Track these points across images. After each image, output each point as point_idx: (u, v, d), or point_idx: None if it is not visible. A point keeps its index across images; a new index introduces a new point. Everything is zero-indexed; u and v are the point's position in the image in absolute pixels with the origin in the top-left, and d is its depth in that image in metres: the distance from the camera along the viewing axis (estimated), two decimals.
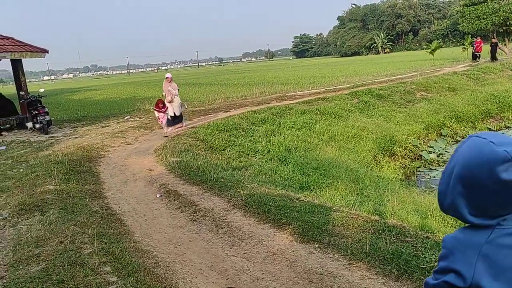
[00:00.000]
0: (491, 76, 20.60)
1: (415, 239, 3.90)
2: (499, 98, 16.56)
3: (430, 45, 33.03)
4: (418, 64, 30.86)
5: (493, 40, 26.30)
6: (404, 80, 19.13)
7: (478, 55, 26.26)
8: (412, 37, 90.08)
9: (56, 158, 7.95)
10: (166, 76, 11.39)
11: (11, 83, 67.76)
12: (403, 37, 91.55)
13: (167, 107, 10.65)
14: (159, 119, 10.76)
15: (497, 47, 26.08)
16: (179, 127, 11.19)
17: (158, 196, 5.94)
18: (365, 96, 15.51)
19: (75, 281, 3.30)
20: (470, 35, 29.29)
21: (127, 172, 7.39)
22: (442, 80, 18.64)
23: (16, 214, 4.99)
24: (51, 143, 10.11)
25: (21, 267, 3.66)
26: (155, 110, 10.77)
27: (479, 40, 26.54)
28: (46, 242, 4.11)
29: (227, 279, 3.55)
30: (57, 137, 11.05)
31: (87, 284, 3.25)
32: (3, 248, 4.12)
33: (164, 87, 11.22)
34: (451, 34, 75.81)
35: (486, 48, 27.32)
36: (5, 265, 3.76)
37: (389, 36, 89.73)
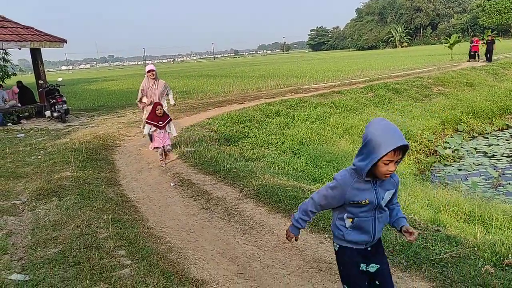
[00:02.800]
0: (510, 72, 20.23)
1: (425, 232, 3.91)
2: None
3: (448, 39, 32.54)
4: (436, 58, 30.44)
5: (490, 38, 24.12)
6: (421, 74, 18.92)
7: (476, 55, 24.80)
8: (431, 31, 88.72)
9: (73, 146, 8.12)
10: (147, 70, 7.66)
11: (29, 72, 68.91)
12: (421, 31, 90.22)
13: (168, 119, 7.05)
14: (153, 143, 7.11)
15: (493, 46, 23.80)
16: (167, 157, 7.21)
17: (172, 184, 6.04)
18: (380, 90, 15.40)
19: (90, 263, 3.40)
20: (490, 30, 28.72)
21: (142, 161, 7.52)
22: (460, 75, 18.39)
23: (35, 199, 5.13)
24: (68, 131, 10.30)
25: (39, 249, 3.78)
26: (147, 123, 7.03)
27: (476, 39, 25.46)
28: (63, 226, 4.24)
29: (237, 265, 3.62)
30: (74, 125, 11.25)
31: (102, 266, 3.35)
32: (22, 231, 4.26)
33: (145, 87, 7.62)
34: (470, 29, 74.46)
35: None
36: (24, 247, 3.89)
37: (407, 30, 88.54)
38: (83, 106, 16.16)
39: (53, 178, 5.93)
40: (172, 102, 8.12)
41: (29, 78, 17.44)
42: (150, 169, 6.97)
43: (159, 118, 6.88)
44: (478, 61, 23.73)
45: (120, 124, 11.09)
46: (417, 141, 12.13)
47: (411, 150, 11.92)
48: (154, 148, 7.15)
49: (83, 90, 25.92)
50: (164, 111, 6.98)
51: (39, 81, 12.77)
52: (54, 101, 11.82)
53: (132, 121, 11.61)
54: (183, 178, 6.23)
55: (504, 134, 13.29)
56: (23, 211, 4.80)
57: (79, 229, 4.13)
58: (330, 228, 4.10)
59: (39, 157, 7.47)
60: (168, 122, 7.03)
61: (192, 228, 4.49)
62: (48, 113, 12.27)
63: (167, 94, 8.00)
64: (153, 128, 6.85)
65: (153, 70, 7.74)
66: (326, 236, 3.98)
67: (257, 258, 3.75)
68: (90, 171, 6.47)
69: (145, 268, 3.35)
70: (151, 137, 7.34)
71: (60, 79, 13.22)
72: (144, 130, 7.61)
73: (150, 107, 7.29)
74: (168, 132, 7.08)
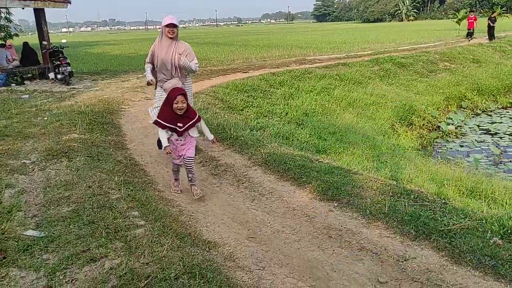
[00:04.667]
0: None
1: (433, 204, 3.97)
2: None
3: (456, 14, 31.99)
4: (443, 33, 30.04)
5: (493, 14, 23.21)
6: (427, 49, 18.72)
7: (471, 32, 23.87)
8: (438, 5, 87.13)
9: (79, 109, 8.09)
10: (165, 23, 5.11)
11: (30, 33, 67.73)
12: (428, 5, 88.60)
13: (193, 121, 4.25)
14: (172, 153, 4.31)
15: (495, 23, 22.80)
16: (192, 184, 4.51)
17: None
18: (386, 64, 15.27)
19: (105, 222, 3.46)
20: (499, 6, 28.21)
21: (148, 126, 7.51)
22: (466, 51, 18.20)
23: (44, 159, 5.16)
24: (72, 94, 10.25)
25: (52, 207, 3.83)
26: (158, 124, 4.22)
27: (473, 16, 24.50)
28: (74, 186, 4.28)
29: (248, 230, 3.69)
30: (78, 88, 11.18)
31: (116, 226, 3.41)
32: (33, 189, 4.30)
33: (156, 52, 5.29)
34: (479, 4, 73.22)
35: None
36: (36, 205, 3.93)
37: (414, 3, 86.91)
38: (86, 69, 16.01)
39: (61, 140, 5.94)
40: (192, 67, 5.33)
41: (29, 39, 17.19)
42: (155, 133, 6.94)
43: (178, 118, 4.09)
44: (470, 40, 23.00)
45: (124, 89, 11.02)
46: (420, 116, 12.12)
47: (414, 125, 11.94)
48: (173, 161, 4.45)
49: (85, 53, 25.61)
50: (188, 104, 4.14)
51: (42, 42, 12.59)
52: (58, 63, 11.69)
53: (136, 86, 11.53)
54: None
55: (508, 112, 13.28)
56: (33, 170, 4.83)
57: (91, 190, 4.17)
58: (339, 196, 4.16)
59: (45, 118, 7.45)
60: (193, 125, 4.22)
61: (201, 193, 4.53)
62: (51, 75, 12.15)
63: (188, 67, 5.28)
64: (168, 132, 4.18)
65: (174, 26, 5.13)
66: (335, 204, 4.04)
67: (267, 223, 3.81)
68: (97, 134, 6.47)
69: (159, 229, 3.41)
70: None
71: (64, 40, 13.05)
72: (150, 113, 5.56)
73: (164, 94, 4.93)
74: (191, 137, 4.31)
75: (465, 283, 2.78)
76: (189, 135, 4.28)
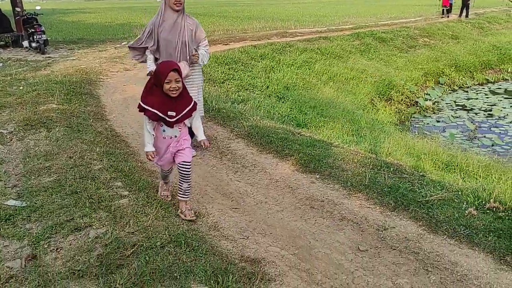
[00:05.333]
0: (495, 26, 20.33)
1: (411, 176, 4.08)
2: (500, 49, 16.46)
3: None
4: (423, 9, 30.14)
5: None
6: (407, 24, 18.79)
7: (447, 10, 23.46)
8: None
9: (56, 79, 7.89)
10: None
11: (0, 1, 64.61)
12: None
13: (188, 108, 3.20)
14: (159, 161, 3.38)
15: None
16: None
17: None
18: (367, 38, 15.30)
19: (88, 193, 3.44)
20: None
21: (127, 97, 7.40)
22: (446, 27, 18.36)
23: (22, 129, 5.05)
24: (48, 63, 9.95)
25: (33, 177, 3.78)
26: (142, 110, 3.16)
27: None
28: (55, 157, 4.22)
29: (232, 201, 3.73)
30: (54, 57, 10.86)
31: (100, 196, 3.40)
32: (12, 160, 4.22)
33: (156, 28, 4.19)
34: None
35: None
36: (16, 175, 3.88)
37: None
38: (61, 38, 15.50)
39: (38, 110, 5.80)
40: (205, 61, 4.42)
41: (1, 5, 16.49)
42: (136, 105, 6.87)
43: (169, 103, 3.09)
44: (448, 17, 22.92)
45: (102, 59, 10.76)
46: (399, 91, 12.28)
47: (393, 100, 12.11)
48: (160, 168, 3.52)
49: (59, 21, 24.74)
50: (183, 84, 3.14)
51: (15, 9, 12.11)
52: (32, 30, 11.29)
53: (114, 56, 11.27)
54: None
55: (484, 88, 13.58)
56: (11, 140, 4.73)
57: (72, 160, 4.12)
58: (321, 169, 4.24)
59: (21, 88, 7.25)
60: (189, 114, 3.22)
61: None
62: (26, 43, 11.74)
63: (196, 50, 4.33)
64: (152, 123, 3.19)
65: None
66: (317, 176, 4.11)
67: (250, 194, 3.86)
68: (76, 105, 6.34)
69: (143, 199, 3.42)
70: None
71: (38, 7, 12.57)
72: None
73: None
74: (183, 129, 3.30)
75: (441, 250, 2.91)
76: (184, 125, 3.27)
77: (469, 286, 2.57)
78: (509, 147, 8.62)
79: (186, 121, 3.27)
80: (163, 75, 2.98)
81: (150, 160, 3.24)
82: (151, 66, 4.23)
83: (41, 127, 5.11)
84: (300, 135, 5.41)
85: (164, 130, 3.22)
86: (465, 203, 3.45)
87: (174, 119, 3.14)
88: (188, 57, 4.26)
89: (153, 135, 3.21)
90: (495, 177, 4.91)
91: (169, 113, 3.11)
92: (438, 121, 10.65)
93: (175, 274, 2.51)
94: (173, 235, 2.90)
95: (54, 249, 2.75)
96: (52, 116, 5.54)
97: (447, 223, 3.19)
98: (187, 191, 3.32)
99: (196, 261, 2.66)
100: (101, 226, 3.00)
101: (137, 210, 3.22)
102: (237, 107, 7.02)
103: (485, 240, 2.95)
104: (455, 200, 3.52)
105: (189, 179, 3.28)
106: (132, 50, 4.42)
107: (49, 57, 10.94)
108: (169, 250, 2.74)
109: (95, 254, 2.68)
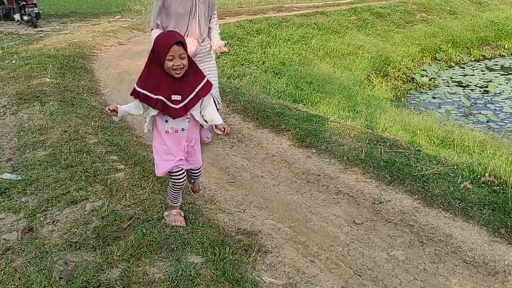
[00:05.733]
0: (493, 2, 20.11)
1: (407, 151, 4.09)
2: (498, 25, 16.31)
3: None
4: None
5: None
6: None
7: None
8: None
9: (49, 52, 7.76)
10: None
11: None
12: None
13: (197, 89, 2.46)
14: (157, 159, 2.62)
15: None
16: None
17: None
18: (364, 13, 15.11)
19: (83, 166, 3.42)
20: None
21: (122, 72, 7.31)
22: (444, 2, 18.13)
23: (15, 103, 4.99)
24: (41, 37, 9.78)
25: (27, 151, 3.75)
26: (137, 96, 2.43)
27: None
28: (49, 131, 4.18)
29: (228, 175, 3.73)
30: (47, 31, 10.66)
31: (96, 170, 3.38)
32: (6, 134, 4.19)
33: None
34: None
35: None
36: (11, 149, 3.85)
37: None
38: (53, 11, 15.22)
39: (32, 84, 5.73)
40: (219, 42, 3.84)
41: None
42: (131, 80, 6.79)
43: (173, 85, 2.41)
44: None
45: (95, 33, 10.57)
46: (395, 67, 12.20)
47: (390, 76, 12.04)
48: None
49: None
50: (191, 61, 2.48)
51: None
52: (24, 3, 11.03)
53: (108, 30, 11.08)
54: None
55: (480, 65, 13.51)
56: (4, 114, 4.68)
57: (67, 134, 4.09)
58: (317, 143, 4.23)
59: (13, 61, 7.13)
60: (199, 98, 2.50)
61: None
62: (17, 16, 11.50)
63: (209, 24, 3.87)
64: (154, 111, 2.49)
65: None
66: (313, 151, 4.11)
67: (247, 168, 3.85)
68: (70, 79, 6.26)
69: (139, 173, 3.41)
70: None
71: None
72: (146, 119, 2.60)
73: None
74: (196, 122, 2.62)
75: (436, 223, 2.93)
76: (193, 118, 2.55)
77: (463, 258, 2.61)
78: (504, 124, 8.64)
79: (196, 113, 2.52)
80: (164, 50, 2.29)
81: (107, 112, 2.46)
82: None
83: (35, 101, 5.05)
84: (297, 110, 5.38)
85: (166, 121, 2.48)
86: (460, 177, 3.47)
87: (180, 105, 2.42)
88: (199, 34, 3.68)
89: (149, 129, 2.59)
90: (490, 153, 4.93)
91: (173, 97, 2.39)
92: (434, 98, 10.63)
93: (172, 246, 2.52)
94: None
95: (50, 222, 2.75)
96: (46, 90, 5.48)
97: (442, 196, 3.21)
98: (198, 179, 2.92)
99: (192, 234, 2.67)
100: (97, 199, 2.99)
101: (133, 183, 3.21)
102: (232, 82, 6.96)
103: (480, 213, 2.98)
104: (451, 174, 3.54)
105: (199, 178, 2.91)
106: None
107: (41, 30, 10.74)
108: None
109: (91, 227, 2.68)
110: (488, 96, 10.45)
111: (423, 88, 11.47)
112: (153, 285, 2.22)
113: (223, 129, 2.54)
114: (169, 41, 2.32)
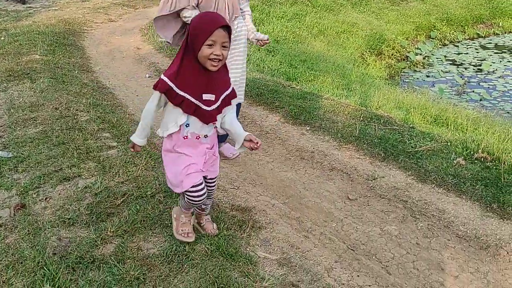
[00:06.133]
0: None
1: (401, 128, 4.09)
2: (493, 3, 16.19)
3: None
4: None
5: None
6: None
7: None
8: None
9: (38, 29, 7.60)
10: None
11: None
12: None
13: (226, 92, 2.06)
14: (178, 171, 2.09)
15: None
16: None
17: (147, 76, 5.86)
18: None
19: (75, 144, 3.39)
20: None
21: (113, 49, 7.20)
22: None
23: (5, 80, 4.90)
24: (30, 13, 9.57)
25: (18, 128, 3.70)
26: (167, 88, 1.95)
27: None
28: (40, 108, 4.12)
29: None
30: (35, 7, 10.44)
31: (88, 147, 3.35)
32: None
33: None
34: None
35: None
36: (1, 126, 3.79)
37: None
38: None
39: (21, 61, 5.62)
40: (262, 36, 3.27)
41: None
42: (123, 57, 6.70)
43: (205, 81, 1.97)
44: None
45: (85, 9, 10.37)
46: (390, 45, 12.13)
47: (384, 54, 11.98)
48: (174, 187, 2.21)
49: None
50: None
51: None
52: None
53: (98, 6, 10.86)
54: (159, 68, 6.06)
55: (474, 43, 13.46)
56: None
57: (58, 111, 4.03)
58: (311, 120, 4.21)
59: (2, 38, 6.99)
60: (229, 102, 2.10)
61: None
62: None
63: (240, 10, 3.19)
64: (182, 119, 2.01)
65: None
66: (308, 128, 4.09)
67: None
68: (60, 56, 6.15)
69: None
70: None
71: None
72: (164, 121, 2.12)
73: None
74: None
75: (429, 198, 2.95)
76: (214, 127, 2.14)
77: (456, 232, 2.63)
78: (497, 102, 8.67)
79: (217, 118, 2.07)
80: (204, 33, 1.85)
81: (133, 151, 2.27)
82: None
83: (25, 78, 4.97)
84: (291, 87, 5.34)
85: (187, 125, 2.01)
86: (453, 153, 3.48)
87: (213, 106, 1.99)
88: (231, 12, 3.02)
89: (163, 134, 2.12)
90: (483, 130, 4.95)
91: (205, 96, 1.96)
92: (428, 76, 10.61)
93: (166, 222, 2.51)
94: (163, 185, 2.89)
95: (43, 199, 2.73)
96: (36, 67, 5.38)
97: (436, 172, 3.22)
98: (208, 207, 2.45)
99: None
100: (90, 176, 2.97)
101: (126, 160, 3.19)
102: None
103: (472, 189, 3.00)
104: (444, 150, 3.55)
105: (212, 195, 2.37)
106: (160, 26, 2.98)
107: (30, 7, 10.52)
108: (159, 199, 2.73)
109: (85, 203, 2.67)
110: (481, 74, 10.44)
111: (417, 67, 11.44)
112: (148, 260, 2.22)
113: (255, 142, 2.05)
114: (212, 23, 1.85)
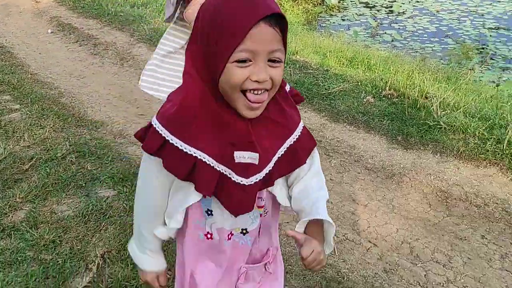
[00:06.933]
0: None
1: (316, 71, 4.20)
2: None
3: None
4: None
5: None
6: None
7: None
8: None
9: None
10: None
11: None
12: None
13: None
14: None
15: None
16: None
17: (49, 32, 5.41)
18: None
19: None
20: None
21: (8, 3, 6.52)
22: None
23: None
24: None
25: None
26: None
27: None
28: None
29: (137, 108, 3.60)
30: None
31: None
32: None
33: None
34: None
35: None
36: None
37: None
38: None
39: None
40: None
41: None
42: (20, 12, 6.10)
43: (240, 125, 0.88)
44: None
45: None
46: None
47: (300, 0, 12.02)
48: None
49: None
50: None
51: None
52: None
53: None
54: (62, 22, 5.61)
55: None
56: None
57: None
58: None
59: None
60: (293, 164, 1.02)
61: (82, 73, 4.22)
62: None
63: None
64: (195, 197, 0.93)
65: None
66: None
67: (156, 99, 3.71)
68: None
69: (37, 111, 3.16)
70: None
71: None
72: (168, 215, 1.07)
73: None
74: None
75: (341, 137, 3.10)
76: (273, 201, 1.04)
77: (365, 165, 2.81)
78: (406, 42, 9.12)
79: (280, 191, 1.03)
80: (234, 31, 0.81)
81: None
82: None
83: None
84: None
85: (209, 212, 0.98)
86: (363, 92, 3.65)
87: (258, 175, 0.92)
88: None
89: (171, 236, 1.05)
90: (392, 69, 5.22)
91: (238, 155, 0.90)
92: (343, 20, 10.86)
93: (80, 183, 2.42)
94: (75, 145, 2.76)
95: None
96: None
97: (347, 112, 3.37)
98: None
99: (102, 169, 2.58)
100: None
101: (32, 123, 2.99)
102: (136, 11, 6.51)
103: (380, 124, 3.19)
104: (355, 90, 3.71)
105: None
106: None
107: None
108: (71, 160, 2.62)
109: None
110: (392, 16, 10.87)
111: (333, 11, 11.64)
112: (63, 222, 2.15)
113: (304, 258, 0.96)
114: (250, 11, 0.82)
